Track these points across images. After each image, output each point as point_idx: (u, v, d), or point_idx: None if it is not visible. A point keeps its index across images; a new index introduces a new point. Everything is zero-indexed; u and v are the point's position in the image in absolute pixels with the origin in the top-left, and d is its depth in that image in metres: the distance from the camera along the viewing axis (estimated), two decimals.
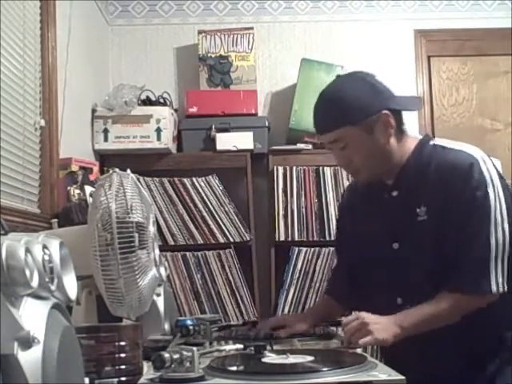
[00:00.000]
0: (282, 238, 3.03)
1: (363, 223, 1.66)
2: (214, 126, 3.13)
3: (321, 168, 3.07)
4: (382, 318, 1.44)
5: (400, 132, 1.57)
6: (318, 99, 1.58)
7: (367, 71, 1.61)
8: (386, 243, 1.57)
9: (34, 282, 0.79)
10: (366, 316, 1.43)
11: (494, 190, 1.46)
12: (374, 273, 1.63)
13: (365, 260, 1.64)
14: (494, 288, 1.43)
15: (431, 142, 1.58)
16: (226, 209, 3.05)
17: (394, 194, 1.58)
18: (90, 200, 1.51)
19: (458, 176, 1.48)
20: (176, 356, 1.05)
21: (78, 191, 2.37)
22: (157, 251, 1.52)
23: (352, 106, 1.51)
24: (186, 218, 3.02)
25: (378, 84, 1.55)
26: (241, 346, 1.30)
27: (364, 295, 1.66)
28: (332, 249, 2.98)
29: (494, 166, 1.52)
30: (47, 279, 0.84)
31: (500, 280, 1.43)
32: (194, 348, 1.07)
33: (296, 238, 3.04)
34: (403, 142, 1.58)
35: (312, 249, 3.02)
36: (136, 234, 1.38)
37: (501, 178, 1.51)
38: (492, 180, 1.47)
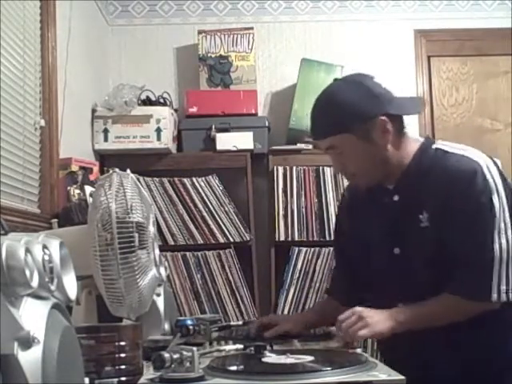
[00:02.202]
0: (282, 238, 3.03)
1: (363, 226, 1.64)
2: (214, 126, 3.13)
3: (321, 168, 3.07)
4: (377, 311, 1.44)
5: (399, 136, 1.54)
6: (314, 104, 1.56)
7: (365, 73, 1.57)
8: (386, 248, 1.55)
9: (34, 282, 0.79)
10: (362, 310, 1.43)
11: (499, 198, 1.44)
12: (374, 277, 1.62)
13: (365, 264, 1.63)
14: (494, 296, 1.40)
15: (433, 146, 1.55)
16: (226, 209, 3.05)
17: (395, 198, 1.55)
18: (90, 200, 1.51)
19: (462, 183, 1.45)
20: (176, 356, 1.05)
21: (78, 191, 2.37)
22: (157, 251, 1.52)
23: (347, 113, 1.48)
24: (186, 217, 3.02)
25: (376, 87, 1.51)
26: (241, 346, 1.30)
27: (364, 299, 1.64)
28: (332, 249, 2.99)
29: (499, 169, 1.49)
30: (47, 279, 0.84)
31: (503, 288, 1.40)
32: (194, 348, 1.07)
33: (296, 238, 3.03)
34: (403, 145, 1.54)
35: (312, 249, 3.02)
36: (136, 234, 1.38)
37: (504, 180, 1.48)
38: (497, 187, 1.45)
